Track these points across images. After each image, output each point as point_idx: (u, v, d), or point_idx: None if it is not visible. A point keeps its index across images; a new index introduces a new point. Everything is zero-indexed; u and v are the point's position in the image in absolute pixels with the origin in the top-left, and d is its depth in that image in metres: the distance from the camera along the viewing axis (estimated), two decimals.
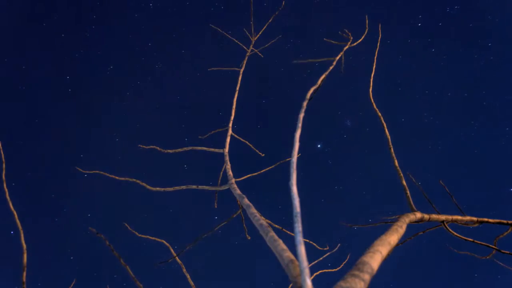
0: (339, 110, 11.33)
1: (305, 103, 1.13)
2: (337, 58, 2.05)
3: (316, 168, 11.38)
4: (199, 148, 2.83)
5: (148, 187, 2.61)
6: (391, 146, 2.32)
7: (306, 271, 0.73)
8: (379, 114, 2.48)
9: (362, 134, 11.25)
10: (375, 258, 1.16)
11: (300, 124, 0.98)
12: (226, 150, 2.61)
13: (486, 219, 2.32)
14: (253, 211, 1.61)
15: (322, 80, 1.58)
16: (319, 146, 11.39)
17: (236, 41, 3.47)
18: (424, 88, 10.93)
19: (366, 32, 2.78)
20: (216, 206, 2.85)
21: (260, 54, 3.45)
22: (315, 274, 2.84)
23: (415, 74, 11.01)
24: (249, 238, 2.75)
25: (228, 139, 2.71)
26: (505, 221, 2.36)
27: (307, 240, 2.86)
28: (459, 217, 2.17)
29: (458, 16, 10.53)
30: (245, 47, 3.40)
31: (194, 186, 2.54)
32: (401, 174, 2.21)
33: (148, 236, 2.94)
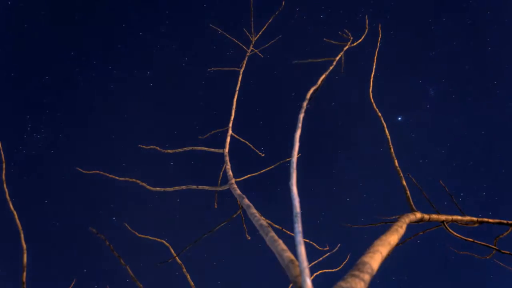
0: (420, 79, 10.61)
1: (305, 103, 1.13)
2: (337, 58, 2.05)
3: (398, 141, 10.81)
4: (199, 148, 2.83)
5: (148, 187, 2.61)
6: (391, 146, 2.32)
7: (306, 271, 0.73)
8: (379, 114, 2.47)
9: (447, 102, 10.54)
10: (375, 258, 1.16)
11: (300, 124, 0.98)
12: (226, 150, 2.61)
13: (486, 219, 2.32)
14: (253, 211, 1.61)
15: (322, 80, 1.58)
16: (399, 118, 10.78)
17: (236, 41, 3.47)
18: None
19: (366, 32, 2.78)
20: (216, 206, 2.85)
21: (260, 54, 3.45)
22: (315, 274, 2.84)
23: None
24: (249, 238, 2.75)
25: (228, 139, 2.71)
26: (505, 221, 2.36)
27: (307, 240, 2.86)
28: (459, 217, 2.17)
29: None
30: (245, 47, 3.40)
31: (194, 186, 2.54)
32: (401, 174, 2.21)
33: (148, 236, 2.94)
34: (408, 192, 2.11)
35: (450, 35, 10.41)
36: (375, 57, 2.66)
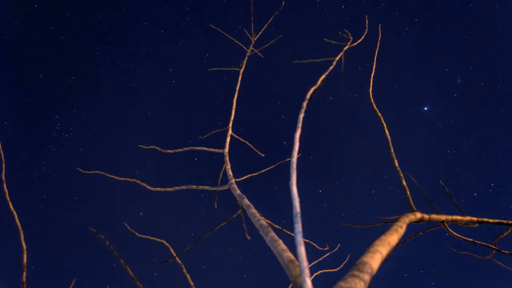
0: (446, 67, 10.12)
1: (305, 103, 1.13)
2: (337, 58, 2.05)
3: (424, 131, 10.25)
4: (199, 148, 2.83)
5: (148, 187, 2.61)
6: (391, 146, 2.32)
7: (306, 271, 0.73)
8: (379, 114, 2.47)
9: (476, 90, 10.01)
10: (375, 258, 1.16)
11: (300, 125, 0.98)
12: (226, 150, 2.61)
13: (486, 219, 2.32)
14: (253, 211, 1.61)
15: (322, 81, 1.58)
16: (425, 108, 10.35)
17: (236, 41, 3.47)
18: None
19: (366, 32, 2.78)
20: (216, 206, 2.85)
21: (260, 54, 3.45)
22: (315, 274, 2.84)
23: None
24: (249, 238, 2.75)
25: (228, 139, 2.71)
26: (505, 221, 2.36)
27: (307, 240, 2.86)
28: (459, 217, 2.17)
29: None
30: (245, 47, 3.40)
31: (194, 186, 2.54)
32: (401, 174, 2.21)
33: (148, 236, 2.94)
34: (408, 192, 2.11)
35: (478, 20, 9.93)
36: (375, 57, 2.66)
